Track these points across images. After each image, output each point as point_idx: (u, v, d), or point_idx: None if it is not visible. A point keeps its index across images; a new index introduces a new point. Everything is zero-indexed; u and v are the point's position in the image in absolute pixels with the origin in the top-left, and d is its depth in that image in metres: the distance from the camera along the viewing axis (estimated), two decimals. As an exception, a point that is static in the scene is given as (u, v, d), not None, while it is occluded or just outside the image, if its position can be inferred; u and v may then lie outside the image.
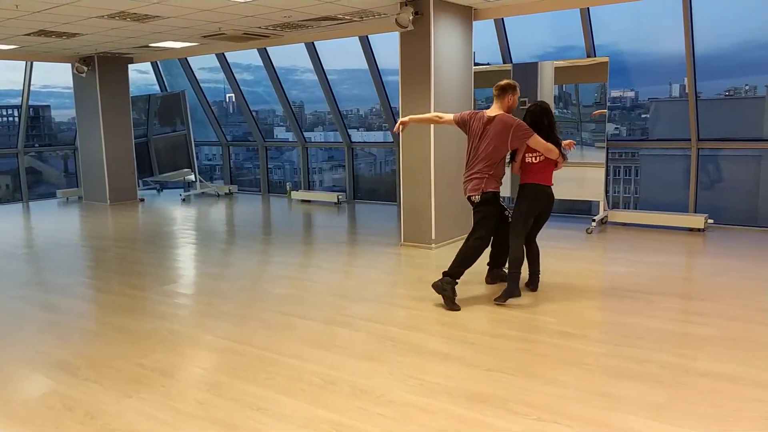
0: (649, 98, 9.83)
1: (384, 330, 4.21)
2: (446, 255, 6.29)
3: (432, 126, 6.43)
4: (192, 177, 11.55)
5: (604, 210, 7.64)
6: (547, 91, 7.66)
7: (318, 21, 7.50)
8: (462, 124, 4.85)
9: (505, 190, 6.74)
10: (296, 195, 10.74)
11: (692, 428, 2.82)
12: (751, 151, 8.24)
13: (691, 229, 7.15)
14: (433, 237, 6.67)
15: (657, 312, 4.42)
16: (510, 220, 4.85)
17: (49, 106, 13.21)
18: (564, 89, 7.84)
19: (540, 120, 4.73)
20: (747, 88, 8.96)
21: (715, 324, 4.16)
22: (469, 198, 4.78)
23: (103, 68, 10.56)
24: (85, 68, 10.40)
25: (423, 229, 6.71)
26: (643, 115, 9.98)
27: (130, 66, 11.09)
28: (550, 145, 4.65)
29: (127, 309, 4.87)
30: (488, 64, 8.21)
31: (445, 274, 4.66)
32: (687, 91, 7.40)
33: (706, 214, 7.13)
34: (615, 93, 9.30)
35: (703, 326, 4.16)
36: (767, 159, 8.25)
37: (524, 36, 8.65)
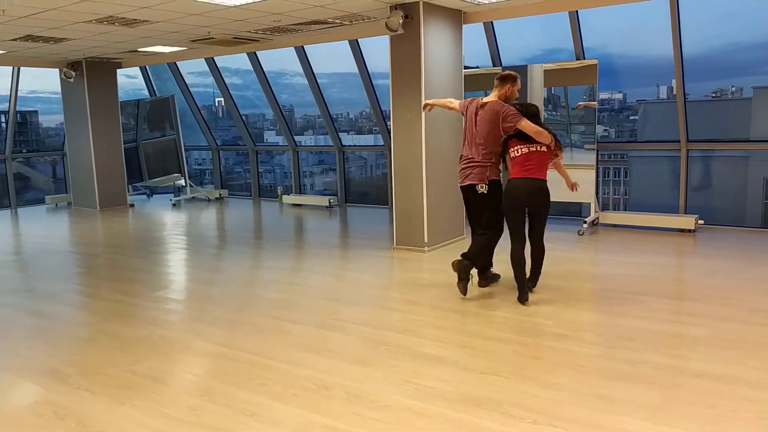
0: (637, 100, 9.89)
1: (377, 334, 4.20)
2: (439, 258, 6.31)
3: (423, 129, 6.46)
4: (182, 182, 11.49)
5: (595, 212, 7.67)
6: (536, 93, 7.68)
7: (308, 25, 7.48)
8: (462, 109, 5.13)
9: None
10: (287, 199, 10.70)
11: (688, 429, 2.82)
12: (739, 152, 8.31)
13: (681, 230, 7.19)
14: (426, 240, 6.66)
15: (650, 313, 4.43)
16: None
17: (36, 112, 13.13)
18: (553, 92, 7.86)
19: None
20: (733, 89, 9.04)
21: (707, 324, 4.18)
22: (471, 186, 4.84)
23: (91, 73, 10.49)
24: (74, 73, 10.34)
25: (415, 232, 6.70)
26: (631, 117, 10.04)
27: (118, 71, 11.03)
28: (539, 128, 4.65)
29: (118, 315, 4.82)
30: (478, 67, 8.23)
31: (463, 256, 4.86)
32: (675, 92, 7.45)
33: (697, 215, 7.17)
34: (603, 95, 9.35)
35: (695, 327, 4.17)
36: (755, 160, 8.32)
37: (513, 39, 8.68)
